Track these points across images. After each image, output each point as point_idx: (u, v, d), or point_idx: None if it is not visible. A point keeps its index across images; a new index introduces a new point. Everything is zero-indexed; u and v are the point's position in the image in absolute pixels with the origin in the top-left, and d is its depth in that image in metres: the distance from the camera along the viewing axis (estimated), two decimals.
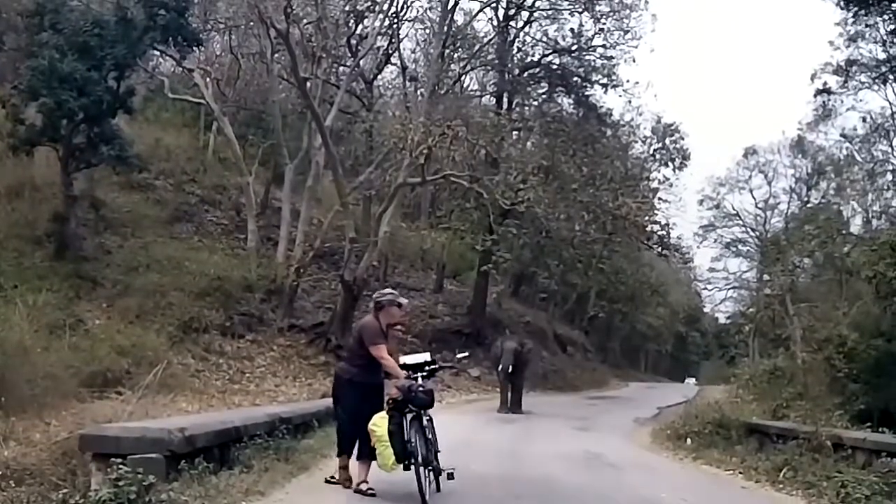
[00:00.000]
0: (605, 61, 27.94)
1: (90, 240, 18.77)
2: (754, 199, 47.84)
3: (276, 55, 22.94)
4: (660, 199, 32.17)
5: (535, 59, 29.15)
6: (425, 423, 6.89)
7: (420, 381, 6.86)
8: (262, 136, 26.69)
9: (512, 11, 28.13)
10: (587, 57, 28.28)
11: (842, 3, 23.26)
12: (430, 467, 6.79)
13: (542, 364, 29.20)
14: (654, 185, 33.74)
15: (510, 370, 18.43)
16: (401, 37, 27.65)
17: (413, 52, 31.03)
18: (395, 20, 25.91)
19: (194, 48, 20.55)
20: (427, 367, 7.14)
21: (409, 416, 6.64)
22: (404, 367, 7.05)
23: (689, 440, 13.11)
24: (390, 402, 6.68)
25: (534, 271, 34.77)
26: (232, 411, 11.98)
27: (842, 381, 13.96)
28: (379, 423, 6.57)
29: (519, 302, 37.84)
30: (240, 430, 8.08)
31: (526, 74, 29.01)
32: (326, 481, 7.49)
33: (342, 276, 21.13)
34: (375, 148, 25.35)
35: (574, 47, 28.20)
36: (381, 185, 23.89)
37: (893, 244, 14.48)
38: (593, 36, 27.67)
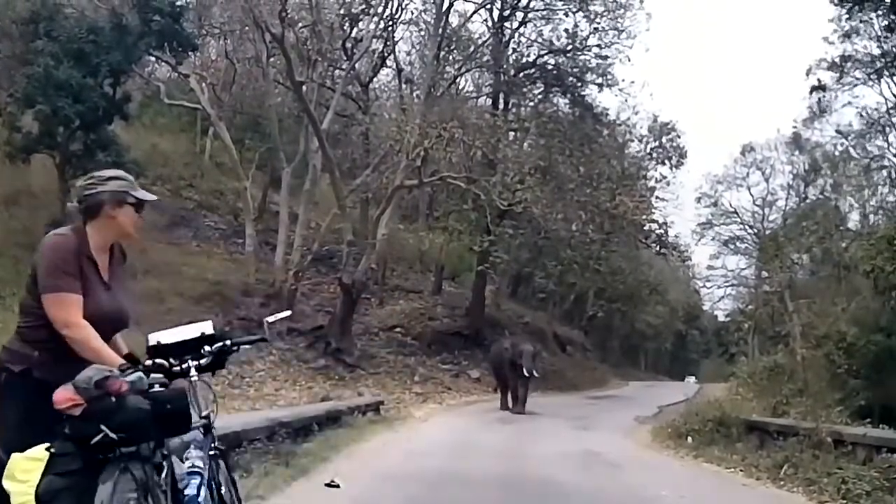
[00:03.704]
0: (601, 61, 28.00)
1: None
2: (752, 196, 47.77)
3: (272, 59, 22.95)
4: (657, 197, 32.29)
5: (531, 59, 29.22)
6: (190, 468, 3.37)
7: (192, 372, 3.40)
8: (259, 140, 26.70)
9: (507, 13, 28.18)
10: (582, 57, 28.35)
11: None
12: None
13: (541, 364, 29.21)
14: (652, 183, 33.74)
15: (534, 373, 18.56)
16: (396, 39, 27.73)
17: (408, 54, 31.11)
18: (390, 23, 25.96)
19: (190, 53, 20.62)
20: (203, 351, 3.49)
21: (132, 457, 2.92)
22: (156, 350, 3.44)
23: (689, 438, 13.11)
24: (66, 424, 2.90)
25: (531, 272, 34.77)
26: (231, 416, 11.96)
27: (841, 377, 13.99)
28: (21, 472, 2.84)
29: (517, 302, 37.86)
30: (239, 435, 8.07)
31: (521, 75, 29.06)
32: (326, 485, 7.49)
33: (341, 279, 21.15)
34: (372, 150, 25.37)
35: (569, 47, 28.24)
36: (379, 187, 23.90)
37: (891, 239, 14.51)
38: (588, 36, 27.73)
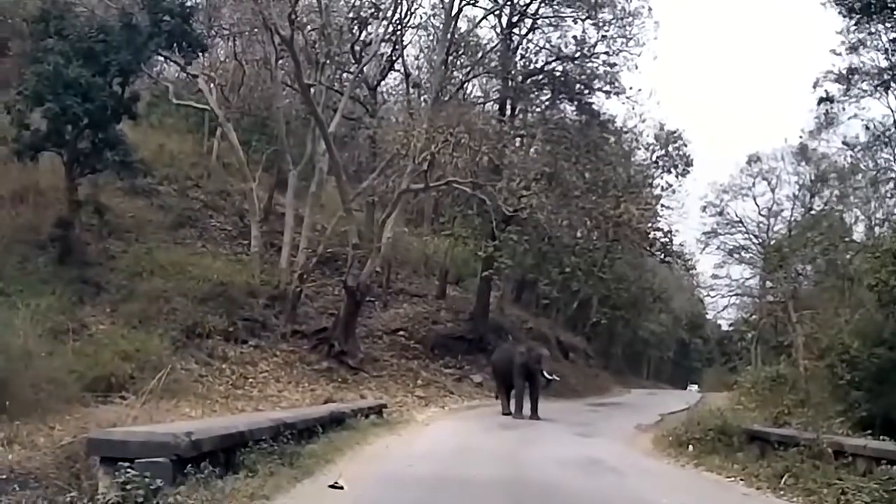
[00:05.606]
0: (608, 68, 27.97)
1: (94, 245, 18.83)
2: (757, 205, 47.53)
3: (280, 61, 23.04)
4: (662, 205, 32.24)
5: (538, 66, 29.20)
6: None
7: None
8: (266, 141, 26.79)
9: (515, 19, 28.21)
10: (590, 64, 28.31)
11: (844, 12, 23.35)
12: None
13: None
14: (657, 191, 33.69)
15: (555, 377, 18.68)
16: (404, 43, 27.79)
17: (416, 58, 31.13)
18: (399, 27, 26.02)
19: (198, 54, 20.70)
20: None
21: None
22: None
23: (690, 447, 13.11)
24: None
25: (535, 278, 34.77)
26: (236, 416, 12.04)
27: (844, 389, 13.96)
28: None
29: (521, 308, 37.87)
30: (245, 435, 8.13)
31: (529, 81, 29.04)
32: (330, 487, 7.54)
33: (345, 282, 21.19)
34: (379, 154, 25.42)
35: (577, 54, 28.24)
36: (385, 191, 23.97)
37: None
38: (596, 43, 27.72)
